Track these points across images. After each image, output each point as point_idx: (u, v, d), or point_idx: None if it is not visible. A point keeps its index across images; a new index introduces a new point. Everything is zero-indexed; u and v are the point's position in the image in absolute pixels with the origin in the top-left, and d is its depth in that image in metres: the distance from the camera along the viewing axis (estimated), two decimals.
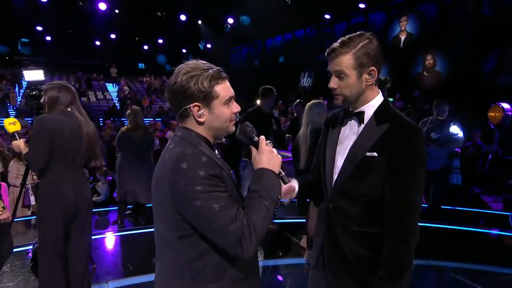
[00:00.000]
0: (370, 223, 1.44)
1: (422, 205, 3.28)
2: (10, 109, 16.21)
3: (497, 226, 5.15)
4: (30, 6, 18.78)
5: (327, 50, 1.45)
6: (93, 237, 4.44)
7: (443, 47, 11.51)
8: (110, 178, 6.62)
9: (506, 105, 6.68)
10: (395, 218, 1.38)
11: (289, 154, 4.62)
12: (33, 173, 3.25)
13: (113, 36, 23.97)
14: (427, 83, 11.95)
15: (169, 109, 17.88)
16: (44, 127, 2.41)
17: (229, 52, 23.46)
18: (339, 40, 1.43)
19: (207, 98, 1.20)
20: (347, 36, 1.43)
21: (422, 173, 1.39)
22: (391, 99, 9.61)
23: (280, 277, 3.56)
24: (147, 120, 13.75)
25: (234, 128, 1.30)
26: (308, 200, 4.00)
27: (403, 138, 1.38)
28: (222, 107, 1.23)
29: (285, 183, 1.34)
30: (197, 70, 1.20)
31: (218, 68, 1.24)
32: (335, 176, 1.50)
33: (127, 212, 5.39)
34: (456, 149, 5.15)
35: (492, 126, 6.86)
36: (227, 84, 1.24)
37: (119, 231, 4.88)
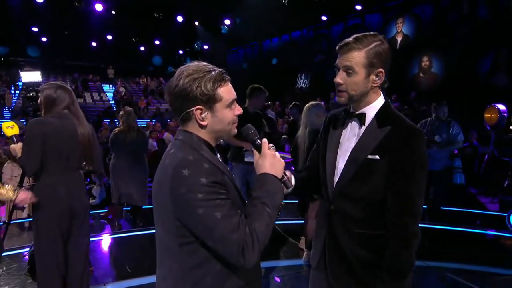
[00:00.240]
0: (371, 225, 1.44)
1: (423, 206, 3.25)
2: (5, 110, 16.13)
3: (494, 226, 5.17)
4: (26, 7, 18.70)
5: (339, 44, 1.43)
6: (91, 239, 4.45)
7: (439, 48, 11.58)
8: (106, 179, 6.59)
9: (501, 107, 6.73)
10: (396, 220, 1.37)
11: (287, 156, 4.60)
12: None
13: (109, 37, 23.91)
14: (423, 84, 12.01)
15: (166, 111, 17.89)
16: (36, 131, 2.39)
17: (225, 53, 23.47)
18: (352, 36, 1.42)
19: (210, 101, 1.17)
20: (361, 33, 1.42)
21: (423, 175, 1.38)
22: None
23: (278, 279, 3.55)
24: (144, 121, 13.72)
25: (236, 130, 1.28)
26: (305, 200, 4.01)
27: (404, 140, 1.37)
28: (225, 110, 1.21)
29: (287, 188, 1.32)
30: (199, 73, 1.17)
31: (221, 70, 1.21)
32: (336, 178, 1.49)
33: (102, 214, 5.37)
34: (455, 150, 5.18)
35: (488, 127, 6.90)
36: (229, 86, 1.22)
37: (116, 233, 4.86)
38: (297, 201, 4.40)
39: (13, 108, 16.24)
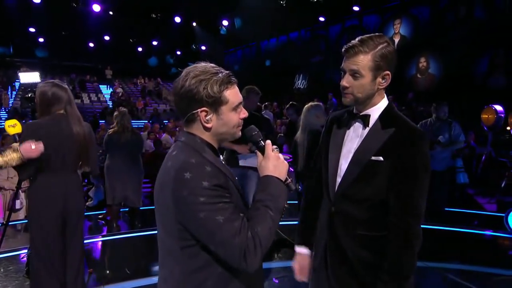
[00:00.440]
0: (374, 226, 1.43)
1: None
2: (2, 111, 16.05)
3: (492, 227, 5.20)
4: (23, 7, 18.64)
5: (344, 47, 1.41)
6: (89, 241, 4.45)
7: (437, 49, 11.64)
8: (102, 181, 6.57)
9: (498, 107, 6.77)
10: (398, 221, 1.37)
11: (286, 156, 4.60)
12: None
13: (107, 37, 23.86)
14: (420, 85, 12.07)
15: (164, 111, 17.86)
16: (32, 136, 2.38)
17: (223, 54, 23.47)
18: (357, 38, 1.40)
19: (215, 104, 1.16)
20: (366, 35, 1.40)
21: (426, 177, 1.38)
22: None
23: (276, 280, 3.55)
24: (142, 122, 13.69)
25: (240, 133, 1.26)
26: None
27: (408, 142, 1.37)
28: (230, 113, 1.19)
29: (290, 190, 1.29)
30: (206, 74, 1.15)
31: (228, 72, 1.19)
32: (338, 180, 1.48)
33: (100, 216, 5.34)
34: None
35: (485, 128, 6.94)
36: (236, 89, 1.20)
37: (115, 235, 4.84)
38: (296, 201, 4.40)
39: (10, 109, 16.21)
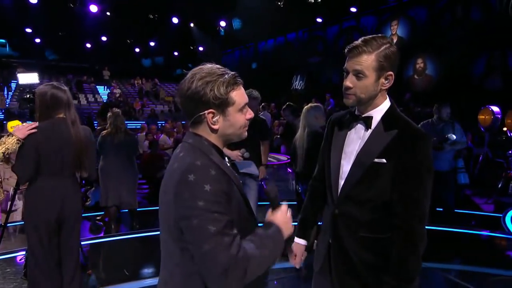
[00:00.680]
0: (377, 228, 1.43)
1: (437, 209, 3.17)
2: None
3: (489, 227, 5.22)
4: (20, 7, 18.55)
5: (347, 47, 1.40)
6: (88, 242, 4.43)
7: (434, 50, 11.70)
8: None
9: (495, 108, 6.81)
10: (403, 225, 1.37)
11: (281, 157, 4.58)
12: None
13: (104, 38, 23.80)
14: (418, 86, 12.12)
15: (161, 112, 17.85)
16: (30, 139, 2.37)
17: (221, 55, 23.47)
18: (360, 39, 1.39)
19: (222, 105, 1.16)
20: (369, 36, 1.39)
21: (430, 178, 1.38)
22: None
23: (275, 281, 3.55)
24: (139, 123, 13.66)
25: (246, 134, 1.26)
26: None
27: (411, 144, 1.37)
28: (237, 114, 1.19)
29: (282, 255, 1.26)
30: (212, 76, 1.15)
31: (233, 73, 1.19)
32: (341, 182, 1.48)
33: (99, 218, 5.32)
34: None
35: (482, 129, 6.97)
36: (242, 90, 1.20)
37: (113, 236, 4.83)
38: (295, 202, 4.40)
39: (5, 110, 16.13)
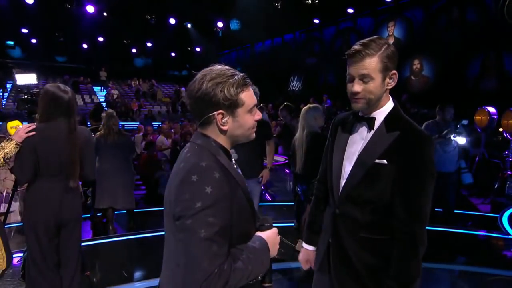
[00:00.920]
0: (376, 229, 1.44)
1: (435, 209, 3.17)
2: None
3: (486, 227, 5.25)
4: (16, 8, 18.45)
5: (347, 52, 1.40)
6: (86, 244, 4.40)
7: (430, 52, 11.76)
8: None
9: (491, 109, 6.86)
10: (404, 228, 1.38)
11: (279, 158, 4.56)
12: None
13: (101, 39, 23.72)
14: (414, 87, 12.18)
15: (158, 113, 17.79)
16: (28, 141, 2.36)
17: (218, 56, 23.46)
18: (358, 43, 1.39)
19: (232, 106, 1.17)
20: (366, 39, 1.39)
21: (432, 182, 1.38)
22: None
23: (275, 281, 3.55)
24: (136, 124, 13.61)
25: (254, 135, 1.27)
26: (302, 202, 4.01)
27: (413, 147, 1.37)
28: (246, 115, 1.20)
29: (261, 276, 1.24)
30: (223, 77, 1.16)
31: (243, 74, 1.20)
32: (342, 182, 1.48)
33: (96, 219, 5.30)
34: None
35: (478, 130, 7.02)
36: (251, 91, 1.22)
37: (111, 237, 4.81)
38: (293, 203, 4.41)
39: (2, 110, 16.01)
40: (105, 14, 19.89)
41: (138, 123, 13.99)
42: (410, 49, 12.17)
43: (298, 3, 15.33)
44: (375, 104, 1.44)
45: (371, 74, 1.37)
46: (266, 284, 3.20)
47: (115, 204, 4.73)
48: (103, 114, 4.79)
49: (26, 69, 17.87)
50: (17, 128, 2.45)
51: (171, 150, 8.13)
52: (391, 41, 12.98)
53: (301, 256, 1.76)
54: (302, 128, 3.61)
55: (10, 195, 3.42)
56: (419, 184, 1.36)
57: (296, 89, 17.88)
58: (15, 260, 3.83)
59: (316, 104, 3.96)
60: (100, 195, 4.70)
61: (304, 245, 1.75)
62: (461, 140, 4.74)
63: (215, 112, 1.16)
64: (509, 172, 6.53)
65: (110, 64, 22.49)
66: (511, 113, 6.54)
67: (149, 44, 24.79)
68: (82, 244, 2.81)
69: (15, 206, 5.15)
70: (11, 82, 19.09)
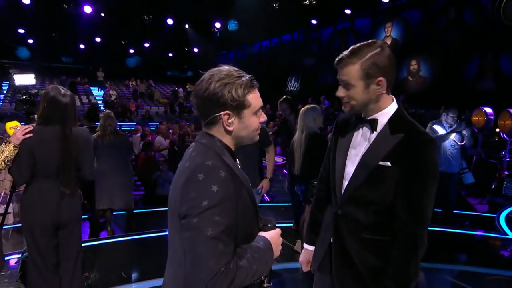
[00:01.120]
0: (378, 230, 1.44)
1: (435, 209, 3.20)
2: None
3: (483, 227, 5.28)
4: (12, 8, 18.38)
5: (336, 59, 1.44)
6: (84, 244, 4.38)
7: (427, 52, 11.81)
8: None
9: (488, 110, 6.90)
10: (405, 229, 1.38)
11: (277, 159, 4.52)
12: None
13: (98, 39, 23.66)
14: (412, 87, 12.23)
15: (156, 114, 17.76)
16: (26, 143, 2.36)
17: (216, 56, 23.46)
18: (349, 49, 1.42)
19: (239, 107, 1.17)
20: (358, 44, 1.42)
21: (434, 185, 1.39)
22: None
23: (272, 282, 3.55)
24: (134, 125, 13.58)
25: (258, 137, 1.28)
26: (301, 203, 4.02)
27: (417, 150, 1.38)
28: (252, 117, 1.21)
29: (262, 278, 1.26)
30: (230, 78, 1.17)
31: (250, 76, 1.21)
32: (345, 183, 1.49)
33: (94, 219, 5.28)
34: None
35: (475, 130, 7.05)
36: (257, 93, 1.23)
37: (110, 238, 4.79)
38: (291, 203, 4.41)
39: None
40: (102, 14, 19.86)
41: (135, 123, 13.97)
42: (407, 50, 12.22)
43: (296, 4, 15.37)
44: (366, 107, 1.46)
45: (350, 81, 1.41)
46: (266, 285, 3.19)
47: (112, 205, 4.71)
48: (101, 115, 4.77)
49: (23, 70, 17.78)
50: (16, 129, 2.45)
51: (169, 150, 8.12)
52: (388, 41, 13.02)
53: (302, 257, 1.76)
54: (301, 130, 3.58)
55: (8, 196, 3.39)
56: (421, 185, 1.37)
57: (294, 89, 17.90)
58: (12, 262, 3.83)
59: (314, 104, 3.94)
60: (99, 195, 4.69)
61: (306, 246, 1.75)
62: (469, 140, 4.77)
63: (222, 113, 1.17)
64: (506, 172, 6.57)
65: (108, 65, 22.42)
66: (508, 113, 6.57)
67: (146, 45, 24.76)
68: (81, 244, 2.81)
69: (14, 207, 5.13)
70: (7, 82, 18.99)
